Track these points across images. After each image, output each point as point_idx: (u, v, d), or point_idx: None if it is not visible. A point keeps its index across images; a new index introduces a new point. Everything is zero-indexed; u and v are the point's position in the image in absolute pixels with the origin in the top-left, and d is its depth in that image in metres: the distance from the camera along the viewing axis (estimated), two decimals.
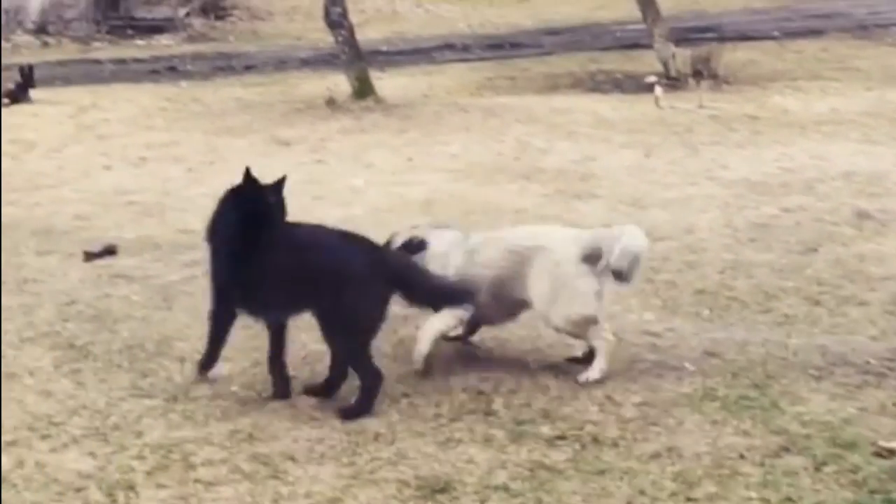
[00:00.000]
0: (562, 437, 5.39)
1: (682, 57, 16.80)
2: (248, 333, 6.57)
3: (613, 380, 6.01)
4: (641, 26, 18.12)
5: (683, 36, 18.78)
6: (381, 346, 6.49)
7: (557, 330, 6.25)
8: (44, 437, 5.48)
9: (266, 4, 28.23)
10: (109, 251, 8.41)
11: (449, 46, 22.43)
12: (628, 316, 7.01)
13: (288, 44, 23.78)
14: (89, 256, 8.30)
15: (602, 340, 6.09)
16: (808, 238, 8.67)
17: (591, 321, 6.08)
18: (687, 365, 6.21)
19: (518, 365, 6.23)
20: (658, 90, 15.22)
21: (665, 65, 16.79)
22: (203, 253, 6.19)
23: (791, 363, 6.23)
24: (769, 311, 7.13)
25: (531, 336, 6.64)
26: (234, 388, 5.99)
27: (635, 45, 20.01)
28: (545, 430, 5.47)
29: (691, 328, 6.81)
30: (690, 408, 5.68)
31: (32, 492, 4.96)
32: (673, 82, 16.31)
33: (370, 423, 5.53)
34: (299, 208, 9.37)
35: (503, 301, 6.26)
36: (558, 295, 6.06)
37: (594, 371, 6.04)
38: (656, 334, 6.69)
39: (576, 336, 6.23)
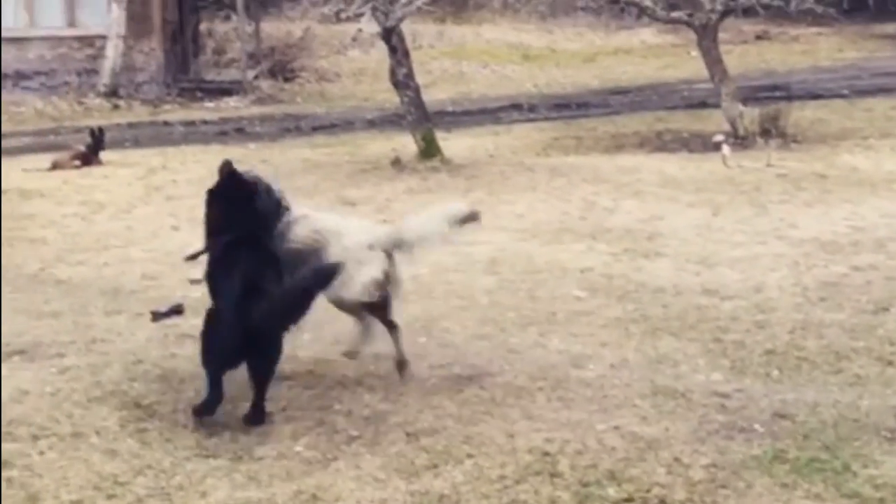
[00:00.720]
0: (629, 500, 5.31)
1: (750, 116, 16.71)
2: (313, 393, 6.59)
3: (681, 441, 5.92)
4: (709, 85, 18.06)
5: (751, 95, 18.71)
6: (447, 406, 6.45)
7: (338, 308, 7.00)
8: (109, 497, 5.48)
9: (334, 66, 28.51)
10: (176, 311, 8.45)
11: (515, 106, 22.49)
12: (696, 376, 6.93)
13: (355, 105, 23.97)
14: (157, 316, 8.34)
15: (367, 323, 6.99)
16: (880, 297, 8.54)
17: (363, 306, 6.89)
18: (756, 426, 6.11)
19: (584, 425, 6.16)
20: (726, 149, 15.13)
21: (733, 124, 16.71)
22: None
23: (863, 425, 6.11)
24: (840, 372, 7.01)
25: (597, 396, 6.58)
26: (298, 449, 5.97)
27: (703, 105, 19.96)
28: (612, 492, 5.39)
29: (761, 389, 6.71)
30: (760, 470, 5.58)
31: None
32: (741, 141, 16.22)
33: (435, 484, 5.48)
34: None
35: None
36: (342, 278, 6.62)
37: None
38: (725, 395, 6.59)
39: (352, 316, 7.03)
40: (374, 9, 15.55)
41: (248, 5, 27.72)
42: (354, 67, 28.37)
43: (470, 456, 5.82)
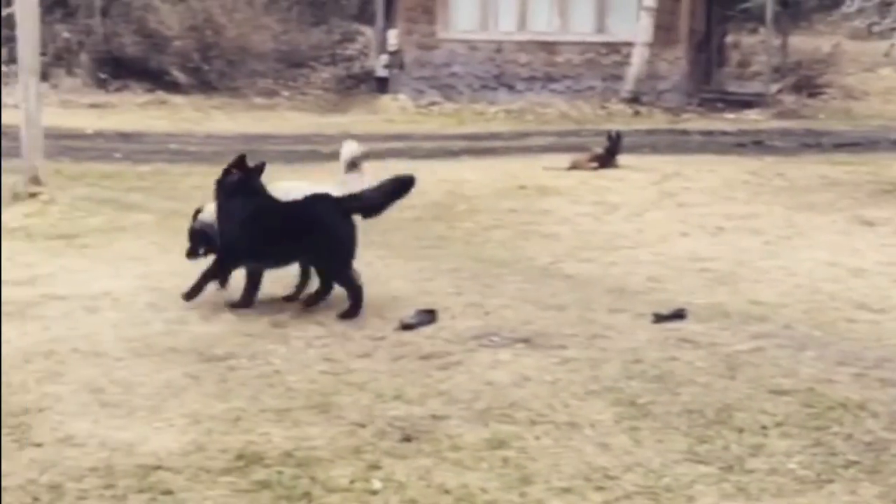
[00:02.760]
0: None
1: None
2: (812, 412, 6.38)
3: None
4: None
5: None
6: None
7: None
8: (598, 489, 5.53)
9: (862, 84, 27.63)
10: (679, 315, 8.43)
11: None
12: None
13: (882, 124, 23.09)
14: (658, 318, 8.36)
15: None
16: None
17: None
18: None
19: None
20: None
21: None
22: None
23: None
24: None
25: None
26: (791, 466, 5.78)
27: None
28: None
29: None
30: None
31: None
32: None
33: None
34: (876, 289, 9.04)
35: None
36: None
37: None
38: None
39: None
40: None
41: (777, 18, 27.37)
42: (884, 86, 27.36)
43: None
